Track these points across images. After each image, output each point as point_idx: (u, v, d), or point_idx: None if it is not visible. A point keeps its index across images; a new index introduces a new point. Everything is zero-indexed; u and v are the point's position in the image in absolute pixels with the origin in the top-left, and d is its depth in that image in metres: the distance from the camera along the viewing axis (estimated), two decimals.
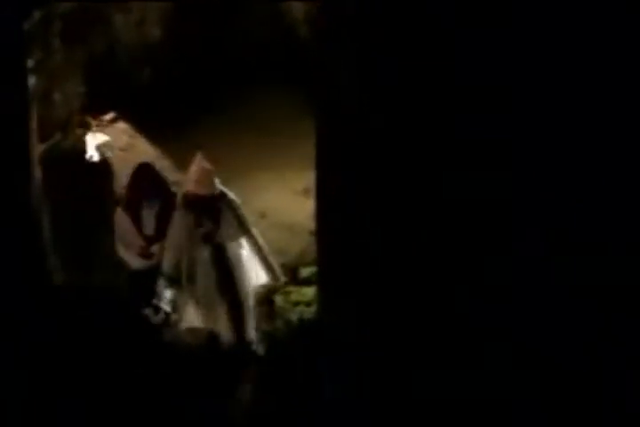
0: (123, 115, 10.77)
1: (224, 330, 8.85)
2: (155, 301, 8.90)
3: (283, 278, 9.09)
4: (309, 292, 9.23)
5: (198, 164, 8.68)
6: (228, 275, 8.76)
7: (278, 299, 9.51)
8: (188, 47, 11.76)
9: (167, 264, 8.82)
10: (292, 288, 9.65)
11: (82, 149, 9.28)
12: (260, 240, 8.86)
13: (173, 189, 9.15)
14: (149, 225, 8.99)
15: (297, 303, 9.43)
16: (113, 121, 10.78)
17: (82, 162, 9.26)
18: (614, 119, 4.71)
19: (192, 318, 8.94)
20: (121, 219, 8.96)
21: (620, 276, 4.87)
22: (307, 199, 9.19)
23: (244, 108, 11.48)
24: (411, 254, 5.88)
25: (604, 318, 4.96)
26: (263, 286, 9.02)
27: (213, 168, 8.69)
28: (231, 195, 8.82)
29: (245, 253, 8.82)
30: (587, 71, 4.71)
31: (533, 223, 5.03)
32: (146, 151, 10.38)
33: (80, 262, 9.19)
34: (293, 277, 9.85)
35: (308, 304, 9.26)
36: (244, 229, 8.82)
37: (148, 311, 8.89)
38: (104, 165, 9.39)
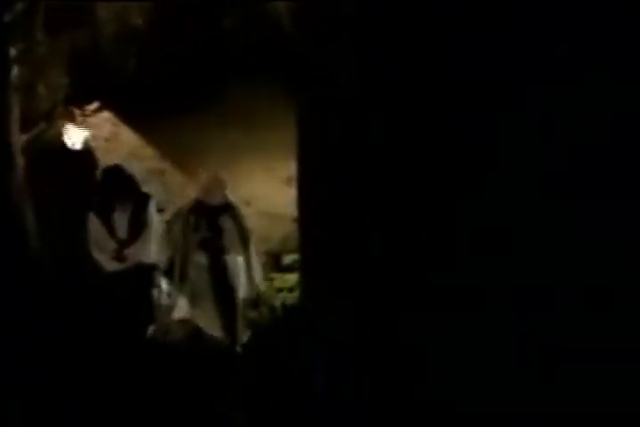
0: (107, 105, 10.80)
1: (213, 330, 8.81)
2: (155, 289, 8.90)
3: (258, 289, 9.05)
4: (292, 278, 9.22)
5: (211, 172, 8.75)
6: (222, 281, 8.72)
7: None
8: (172, 38, 11.70)
9: (162, 259, 8.80)
10: (275, 275, 9.71)
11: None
12: (254, 258, 8.81)
13: (145, 190, 8.99)
14: (122, 228, 8.76)
15: (280, 290, 9.45)
16: (97, 111, 10.79)
17: (66, 152, 9.27)
18: (616, 119, 4.64)
19: (183, 310, 8.91)
20: (93, 222, 8.70)
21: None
22: (290, 188, 9.18)
23: (229, 99, 11.38)
24: (392, 243, 5.85)
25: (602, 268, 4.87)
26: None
27: (225, 180, 8.71)
28: (239, 207, 8.79)
29: (240, 262, 8.77)
30: (587, 71, 4.63)
31: (533, 220, 4.95)
32: (130, 140, 10.35)
33: (66, 252, 9.23)
34: (276, 263, 10.01)
35: (290, 290, 9.29)
36: (244, 242, 8.75)
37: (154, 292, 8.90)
38: (88, 154, 9.40)
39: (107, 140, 10.14)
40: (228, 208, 8.67)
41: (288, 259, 9.71)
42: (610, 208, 4.66)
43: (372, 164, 5.87)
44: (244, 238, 8.72)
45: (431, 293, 5.47)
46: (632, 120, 4.55)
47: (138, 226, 8.77)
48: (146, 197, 8.86)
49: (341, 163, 6.23)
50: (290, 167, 8.60)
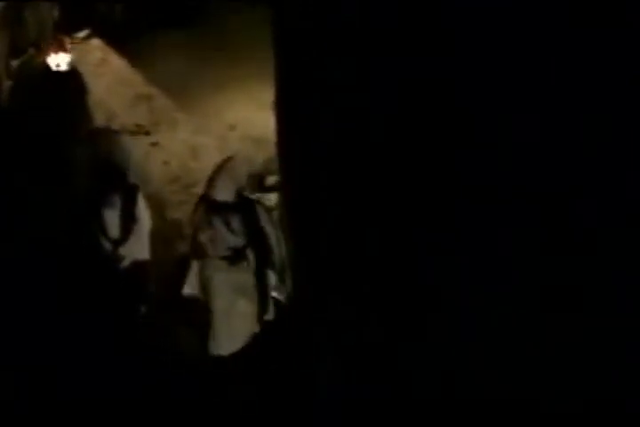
0: (96, 32, 10.67)
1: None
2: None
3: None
4: (273, 197, 9.06)
5: (224, 166, 8.03)
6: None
7: None
8: None
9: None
10: (258, 195, 9.70)
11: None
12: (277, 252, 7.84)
13: (131, 179, 8.27)
14: (113, 226, 8.02)
15: None
16: (87, 38, 10.68)
17: (54, 75, 9.18)
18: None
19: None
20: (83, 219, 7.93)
21: None
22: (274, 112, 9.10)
23: (213, 23, 10.99)
24: (366, 166, 5.73)
25: None
26: None
27: (243, 175, 8.02)
28: (261, 201, 8.12)
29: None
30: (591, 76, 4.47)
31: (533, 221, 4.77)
32: (118, 66, 10.22)
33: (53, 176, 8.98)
34: (260, 184, 9.96)
35: (271, 209, 8.89)
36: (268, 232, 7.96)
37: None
38: (76, 80, 9.31)
39: (96, 66, 10.00)
40: (245, 205, 7.98)
41: (271, 180, 9.58)
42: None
43: (350, 93, 5.76)
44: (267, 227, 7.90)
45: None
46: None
47: (129, 221, 8.12)
48: (134, 189, 8.26)
49: (318, 89, 6.10)
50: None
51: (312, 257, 5.84)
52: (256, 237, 7.93)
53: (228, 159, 8.17)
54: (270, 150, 9.64)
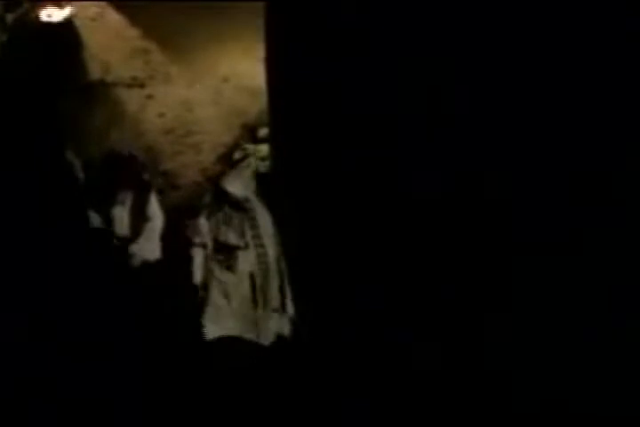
0: None
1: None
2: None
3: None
4: (264, 149, 9.08)
5: (241, 161, 8.07)
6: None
7: (237, 155, 9.52)
8: None
9: None
10: (249, 146, 9.56)
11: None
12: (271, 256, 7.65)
13: (145, 176, 8.11)
14: (122, 223, 7.72)
15: None
16: None
17: (49, 30, 8.97)
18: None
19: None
20: (93, 220, 7.51)
21: None
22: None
23: None
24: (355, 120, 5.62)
25: None
26: None
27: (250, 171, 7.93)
28: (253, 200, 7.89)
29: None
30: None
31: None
32: (115, 21, 10.00)
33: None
34: (253, 136, 9.86)
35: (262, 159, 9.18)
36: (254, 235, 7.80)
37: None
38: (72, 33, 9.10)
39: (92, 20, 9.77)
40: (250, 205, 7.81)
41: (263, 132, 9.50)
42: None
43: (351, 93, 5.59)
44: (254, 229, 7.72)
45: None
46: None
47: (140, 219, 7.88)
48: (147, 186, 8.08)
49: (318, 89, 5.93)
50: None
51: (311, 253, 5.75)
52: (252, 240, 7.83)
53: (245, 157, 8.10)
54: (264, 102, 9.54)
